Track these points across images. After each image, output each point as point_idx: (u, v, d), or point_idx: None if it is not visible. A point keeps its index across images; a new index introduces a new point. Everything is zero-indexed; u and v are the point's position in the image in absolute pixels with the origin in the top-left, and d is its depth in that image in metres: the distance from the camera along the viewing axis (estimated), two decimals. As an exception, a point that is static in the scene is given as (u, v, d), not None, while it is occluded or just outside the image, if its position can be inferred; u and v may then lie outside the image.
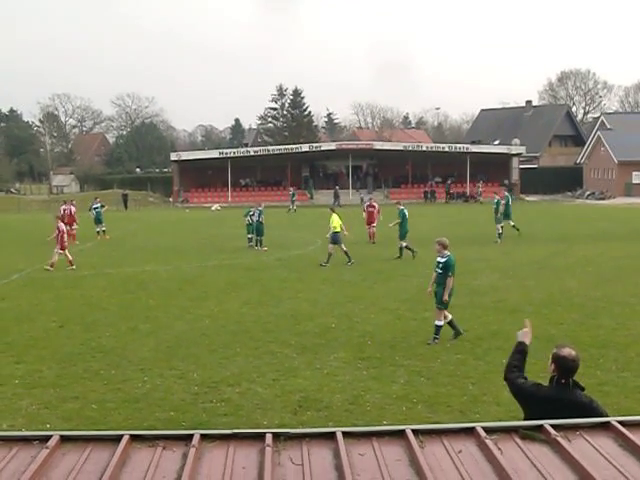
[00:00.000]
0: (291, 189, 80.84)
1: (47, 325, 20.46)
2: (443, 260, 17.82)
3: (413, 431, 4.52)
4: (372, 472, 4.09)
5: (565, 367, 7.11)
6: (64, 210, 46.85)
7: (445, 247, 17.97)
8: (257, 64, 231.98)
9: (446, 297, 17.69)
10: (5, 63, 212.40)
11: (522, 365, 7.76)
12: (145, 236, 49.02)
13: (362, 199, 74.98)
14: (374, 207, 40.06)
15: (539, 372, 14.82)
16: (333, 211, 33.43)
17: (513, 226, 42.26)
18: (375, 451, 4.34)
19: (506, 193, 43.50)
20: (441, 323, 17.74)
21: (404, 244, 34.04)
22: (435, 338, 17.60)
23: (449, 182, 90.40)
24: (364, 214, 40.64)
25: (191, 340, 18.32)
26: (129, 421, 12.40)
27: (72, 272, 30.82)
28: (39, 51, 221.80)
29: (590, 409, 6.69)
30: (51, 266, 31.22)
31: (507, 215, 41.88)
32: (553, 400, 6.88)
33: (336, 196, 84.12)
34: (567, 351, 7.19)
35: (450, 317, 17.94)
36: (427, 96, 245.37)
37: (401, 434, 4.52)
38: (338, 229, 32.11)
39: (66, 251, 32.27)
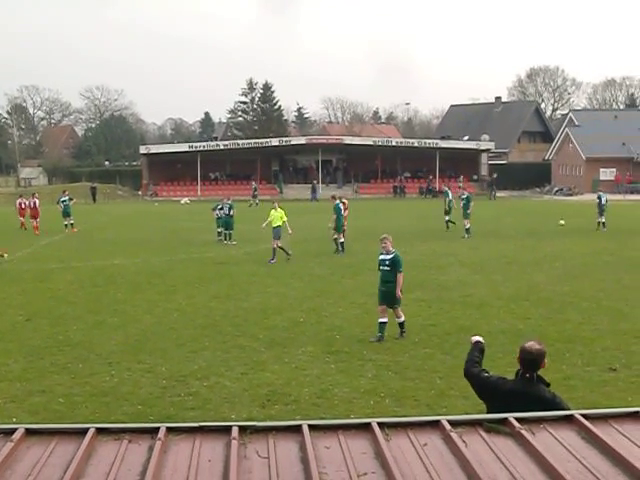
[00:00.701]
0: (253, 183, 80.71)
1: (14, 318, 20.34)
2: (390, 257, 17.63)
3: (379, 424, 4.55)
4: (337, 465, 4.11)
5: (525, 359, 7.16)
6: (21, 204, 47.07)
7: (390, 243, 17.82)
8: (227, 57, 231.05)
9: (399, 293, 17.58)
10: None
11: (481, 362, 7.79)
12: (114, 229, 48.77)
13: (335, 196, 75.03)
14: (344, 204, 37.39)
15: (506, 367, 14.94)
16: (278, 206, 32.98)
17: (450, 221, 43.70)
18: (341, 444, 4.37)
19: (467, 193, 43.41)
20: (402, 319, 17.69)
21: (339, 238, 34.10)
22: (402, 332, 17.64)
23: (430, 177, 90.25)
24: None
25: (159, 334, 18.29)
26: (96, 415, 12.37)
27: (40, 265, 30.59)
28: (6, 42, 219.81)
29: (553, 404, 6.74)
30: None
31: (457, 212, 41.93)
32: (517, 394, 6.93)
33: (313, 190, 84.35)
34: (529, 344, 7.23)
35: (386, 319, 17.57)
36: (397, 91, 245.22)
37: (367, 427, 4.55)
38: (279, 223, 31.84)
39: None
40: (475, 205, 42.18)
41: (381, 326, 17.46)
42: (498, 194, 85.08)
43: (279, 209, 32.41)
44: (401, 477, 3.92)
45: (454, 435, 4.39)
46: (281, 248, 31.36)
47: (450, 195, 45.35)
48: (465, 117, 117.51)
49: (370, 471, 4.05)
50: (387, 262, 17.64)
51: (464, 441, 4.34)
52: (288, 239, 32.18)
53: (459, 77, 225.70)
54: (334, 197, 37.10)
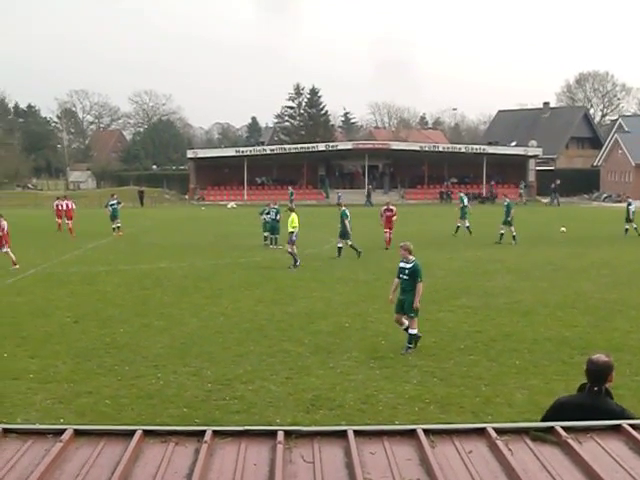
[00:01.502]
0: (290, 188, 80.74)
1: (62, 320, 20.56)
2: (409, 266, 17.13)
3: (424, 431, 4.54)
4: (382, 471, 4.11)
5: (592, 372, 6.99)
6: (58, 205, 48.72)
7: (410, 252, 17.41)
8: (275, 63, 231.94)
9: (417, 304, 16.99)
10: (23, 59, 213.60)
11: None
12: (161, 233, 49.16)
13: (339, 197, 75.16)
14: (391, 211, 38.37)
15: (552, 374, 14.89)
16: (292, 211, 32.98)
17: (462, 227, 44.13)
18: (386, 450, 4.36)
19: (508, 199, 43.13)
20: (415, 331, 17.07)
21: (349, 243, 34.45)
22: (409, 347, 16.90)
23: (492, 182, 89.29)
24: (381, 219, 38.60)
25: (205, 337, 18.38)
26: (142, 417, 12.46)
27: (88, 268, 30.92)
28: (57, 48, 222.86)
29: (622, 418, 6.57)
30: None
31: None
32: (585, 408, 6.70)
33: (368, 195, 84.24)
34: (596, 356, 7.08)
35: (416, 331, 17.12)
36: (444, 96, 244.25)
37: (412, 433, 4.54)
38: (295, 228, 31.69)
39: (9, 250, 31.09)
40: (525, 211, 41.96)
41: (410, 337, 17.07)
42: (545, 200, 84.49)
43: (293, 214, 32.28)
44: (446, 485, 3.91)
45: (500, 443, 4.37)
46: (291, 254, 31.20)
47: (465, 201, 45.47)
48: (513, 123, 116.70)
49: (415, 477, 4.04)
50: (406, 271, 17.15)
51: (510, 449, 4.31)
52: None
53: (507, 82, 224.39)
54: (340, 204, 37.97)
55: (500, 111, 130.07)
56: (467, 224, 44.24)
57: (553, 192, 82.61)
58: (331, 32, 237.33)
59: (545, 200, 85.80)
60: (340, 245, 34.55)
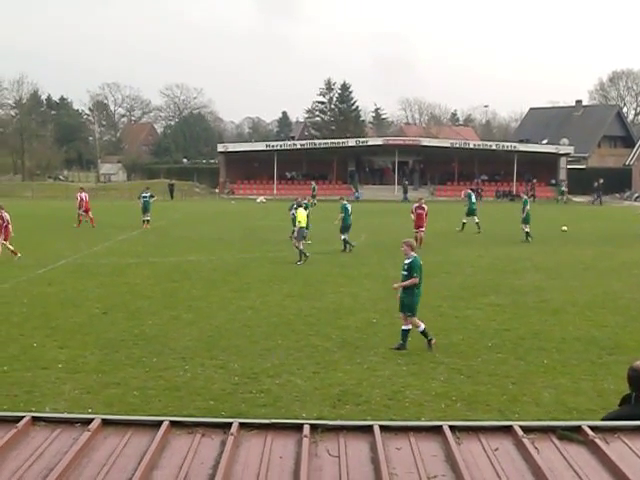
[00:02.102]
0: (313, 183, 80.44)
1: (91, 311, 20.70)
2: (408, 261, 17.12)
3: (450, 427, 4.54)
4: (408, 466, 4.11)
5: (634, 378, 6.77)
6: (81, 197, 48.38)
7: (412, 248, 17.43)
8: (306, 57, 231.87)
9: (397, 285, 17.33)
10: (56, 53, 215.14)
11: None
12: (190, 226, 49.33)
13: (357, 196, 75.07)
14: (423, 209, 37.00)
15: (580, 374, 14.81)
16: (300, 206, 33.02)
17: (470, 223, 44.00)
18: (412, 446, 4.36)
19: (525, 197, 42.78)
20: (409, 328, 16.91)
21: (344, 237, 34.86)
22: (401, 344, 16.80)
23: (534, 181, 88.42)
24: (412, 216, 37.68)
25: (233, 331, 18.43)
26: (169, 409, 12.52)
27: (117, 260, 31.12)
28: (89, 41, 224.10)
29: None
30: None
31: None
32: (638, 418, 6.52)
33: (405, 191, 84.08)
34: (636, 363, 6.86)
35: (423, 326, 17.01)
36: (476, 93, 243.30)
37: (438, 430, 4.54)
38: (303, 224, 31.77)
39: (7, 242, 31.37)
40: (564, 210, 41.66)
41: (402, 333, 16.99)
42: (576, 199, 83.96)
43: (301, 209, 32.35)
44: (471, 482, 3.91)
45: (526, 441, 4.35)
46: (298, 249, 31.07)
47: (473, 197, 45.52)
48: (544, 120, 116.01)
49: (440, 474, 4.04)
50: (405, 266, 17.19)
51: (536, 447, 4.30)
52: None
53: (539, 78, 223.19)
54: (342, 198, 38.26)
55: (532, 109, 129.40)
56: (476, 220, 44.34)
57: (596, 191, 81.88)
58: (362, 27, 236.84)
59: (580, 199, 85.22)
60: (344, 237, 35.05)
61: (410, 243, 17.59)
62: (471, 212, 45.41)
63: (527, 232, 39.62)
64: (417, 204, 37.66)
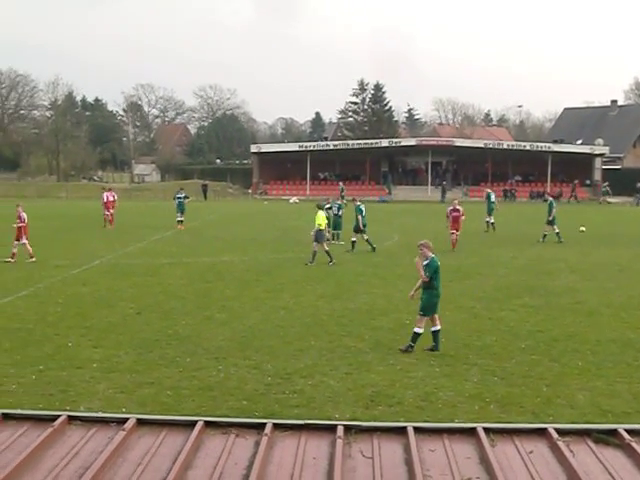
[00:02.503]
0: (340, 184, 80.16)
1: (125, 311, 20.82)
2: (426, 262, 17.01)
3: (484, 429, 4.52)
4: (442, 468, 4.11)
5: None
6: (107, 196, 49.23)
7: (429, 249, 17.22)
8: (339, 58, 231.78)
9: (412, 294, 17.33)
10: (90, 54, 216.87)
11: None
12: (223, 227, 49.49)
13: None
14: (458, 211, 36.19)
15: (615, 377, 14.67)
16: (320, 208, 32.54)
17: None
18: (445, 448, 4.35)
19: (550, 198, 42.48)
20: (420, 331, 16.73)
21: (365, 237, 35.44)
22: (410, 345, 16.65)
23: (576, 182, 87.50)
24: (448, 219, 36.76)
25: (266, 331, 18.45)
26: (202, 408, 12.55)
27: (151, 260, 31.27)
28: (124, 43, 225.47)
29: None
30: (12, 257, 30.42)
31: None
32: None
33: (443, 191, 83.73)
34: None
35: (439, 327, 16.93)
36: (509, 93, 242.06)
37: (472, 432, 4.53)
38: (322, 227, 31.49)
39: (24, 241, 30.89)
40: (589, 211, 41.38)
41: (414, 336, 16.77)
42: (611, 200, 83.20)
43: (320, 211, 31.93)
44: (506, 484, 3.89)
45: (561, 444, 4.33)
46: (327, 252, 30.77)
47: (493, 197, 45.47)
48: (579, 120, 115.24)
49: (474, 476, 4.03)
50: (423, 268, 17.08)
51: (571, 451, 4.28)
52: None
53: (574, 79, 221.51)
54: (354, 199, 38.21)
55: (566, 109, 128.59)
56: (492, 220, 44.45)
57: (638, 192, 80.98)
58: (394, 27, 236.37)
59: (615, 200, 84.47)
60: (354, 239, 35.33)
61: (427, 244, 17.34)
62: (490, 211, 45.93)
63: (557, 232, 39.45)
64: (451, 207, 37.01)
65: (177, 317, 20.02)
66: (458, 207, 36.39)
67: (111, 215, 48.42)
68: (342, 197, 70.66)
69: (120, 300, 22.47)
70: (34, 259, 30.38)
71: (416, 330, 16.75)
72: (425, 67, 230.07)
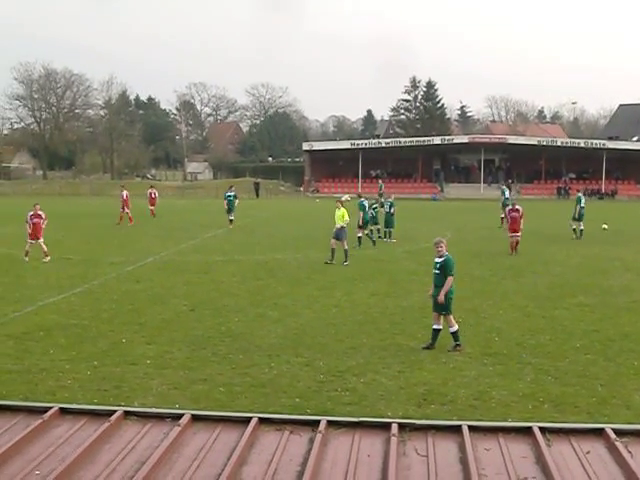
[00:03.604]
0: (379, 181, 79.68)
1: (178, 308, 20.97)
2: (441, 260, 16.80)
3: (540, 429, 4.48)
4: (497, 467, 4.07)
5: None
6: (150, 193, 53.82)
7: (444, 246, 17.01)
8: (392, 55, 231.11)
9: (442, 297, 16.59)
10: (143, 54, 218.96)
11: None
12: (275, 224, 49.67)
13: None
14: (517, 211, 34.11)
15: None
16: (342, 205, 31.82)
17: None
18: (501, 447, 4.32)
19: (579, 194, 42.06)
20: (455, 328, 16.66)
21: (367, 232, 36.81)
22: (456, 345, 16.56)
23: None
24: (505, 220, 35.94)
25: (318, 329, 18.47)
26: (255, 405, 12.58)
27: (204, 257, 31.48)
28: (176, 43, 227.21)
29: None
30: (45, 256, 30.30)
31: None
32: None
33: (508, 189, 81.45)
34: None
35: (440, 326, 16.74)
36: (563, 90, 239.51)
37: (528, 431, 4.49)
38: (344, 224, 30.92)
39: (41, 240, 30.62)
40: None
41: (433, 333, 16.71)
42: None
43: (342, 208, 31.27)
44: (563, 484, 3.84)
45: (619, 445, 4.27)
46: (345, 251, 30.37)
47: (583, 201, 44.84)
48: (635, 117, 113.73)
49: (530, 476, 3.99)
50: (438, 265, 16.87)
51: (629, 451, 4.22)
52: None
53: (629, 75, 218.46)
54: (359, 195, 38.78)
55: (621, 105, 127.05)
56: (581, 227, 40.87)
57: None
58: (446, 24, 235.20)
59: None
60: (359, 235, 35.98)
61: (441, 240, 17.23)
62: (580, 217, 43.62)
63: (581, 230, 39.61)
64: (510, 207, 35.47)
65: (230, 314, 20.12)
66: (518, 207, 34.46)
67: (152, 211, 52.62)
68: (380, 195, 70.52)
69: (173, 297, 22.64)
70: (49, 258, 30.23)
71: (435, 327, 16.78)
72: (478, 64, 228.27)
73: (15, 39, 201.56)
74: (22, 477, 4.01)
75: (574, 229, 39.74)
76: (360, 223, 35.95)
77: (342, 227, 30.71)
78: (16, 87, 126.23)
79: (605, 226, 44.14)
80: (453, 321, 16.81)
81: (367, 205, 36.74)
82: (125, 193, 48.54)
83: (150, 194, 54.47)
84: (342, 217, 30.89)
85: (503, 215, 44.84)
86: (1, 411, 4.91)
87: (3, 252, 32.79)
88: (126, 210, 48.09)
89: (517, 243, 33.47)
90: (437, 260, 17.03)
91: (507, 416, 12.09)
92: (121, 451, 4.26)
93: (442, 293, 16.65)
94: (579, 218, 39.68)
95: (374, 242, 36.46)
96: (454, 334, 16.70)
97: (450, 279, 16.76)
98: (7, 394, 12.98)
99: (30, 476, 4.03)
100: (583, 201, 40.40)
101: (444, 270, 16.81)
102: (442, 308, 16.78)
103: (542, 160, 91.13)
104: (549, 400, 13.13)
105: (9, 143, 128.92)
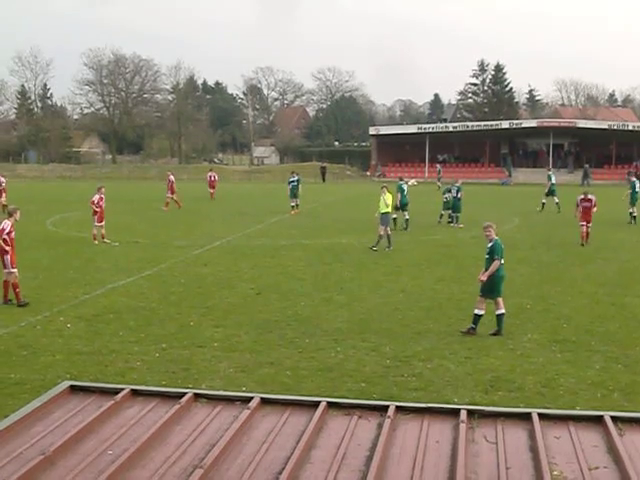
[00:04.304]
0: (438, 166, 78.88)
1: (245, 292, 21.12)
2: (490, 244, 16.82)
3: (612, 418, 4.43)
4: (568, 456, 4.04)
5: None
6: (210, 176, 56.14)
7: (493, 231, 16.95)
8: (459, 38, 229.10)
9: (483, 277, 16.67)
10: (210, 40, 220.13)
11: None
12: (341, 209, 49.68)
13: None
14: (590, 201, 32.20)
15: None
16: (387, 190, 31.16)
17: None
18: (571, 435, 4.28)
19: (634, 179, 41.94)
20: (481, 312, 16.59)
21: (406, 216, 37.18)
22: (472, 328, 16.56)
23: None
24: (577, 210, 33.13)
25: (384, 314, 18.46)
26: (321, 390, 12.63)
27: (270, 241, 31.63)
28: (244, 29, 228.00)
29: None
30: (102, 238, 30.82)
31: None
32: None
33: (585, 175, 79.70)
34: None
35: (502, 310, 16.70)
36: (636, 71, 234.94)
37: (599, 420, 4.44)
38: (388, 210, 30.46)
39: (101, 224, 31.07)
40: None
41: (475, 318, 16.63)
42: None
43: (387, 193, 30.75)
44: (636, 475, 3.79)
45: (694, 435, 4.20)
46: (380, 237, 29.80)
47: (637, 185, 44.16)
48: None
49: (602, 465, 3.94)
50: (487, 250, 16.92)
51: None
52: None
53: None
54: (401, 178, 39.46)
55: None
56: (634, 212, 40.78)
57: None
58: (515, 4, 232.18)
59: None
60: (394, 216, 35.46)
61: (490, 225, 17.17)
62: (551, 192, 46.77)
63: (634, 215, 39.99)
64: (582, 195, 33.19)
65: (296, 298, 20.21)
66: (590, 196, 32.60)
67: (211, 194, 54.92)
68: (439, 179, 69.97)
69: (240, 281, 22.81)
70: (108, 241, 30.77)
71: (476, 312, 16.68)
72: (547, 46, 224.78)
73: (85, 26, 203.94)
74: (95, 456, 4.09)
75: (631, 213, 39.86)
76: (398, 205, 35.94)
77: (384, 213, 30.29)
78: (86, 72, 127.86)
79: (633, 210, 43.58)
80: (502, 304, 16.79)
81: (406, 188, 37.28)
82: (172, 177, 48.91)
83: (210, 177, 56.22)
84: (387, 202, 30.56)
85: (544, 200, 46.51)
86: (74, 392, 5.00)
87: (74, 235, 33.36)
88: (171, 195, 48.28)
89: (588, 234, 32.12)
90: (488, 245, 17.03)
91: (575, 404, 11.96)
92: (192, 433, 4.32)
93: (486, 274, 16.69)
94: (632, 203, 40.34)
95: (405, 228, 36.67)
96: (498, 317, 16.70)
97: (496, 262, 16.70)
98: (78, 375, 13.23)
99: (103, 455, 4.10)
100: (638, 186, 40.39)
101: (492, 254, 16.79)
102: (490, 291, 16.78)
103: (613, 145, 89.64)
104: (618, 389, 12.96)
105: (79, 128, 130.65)
